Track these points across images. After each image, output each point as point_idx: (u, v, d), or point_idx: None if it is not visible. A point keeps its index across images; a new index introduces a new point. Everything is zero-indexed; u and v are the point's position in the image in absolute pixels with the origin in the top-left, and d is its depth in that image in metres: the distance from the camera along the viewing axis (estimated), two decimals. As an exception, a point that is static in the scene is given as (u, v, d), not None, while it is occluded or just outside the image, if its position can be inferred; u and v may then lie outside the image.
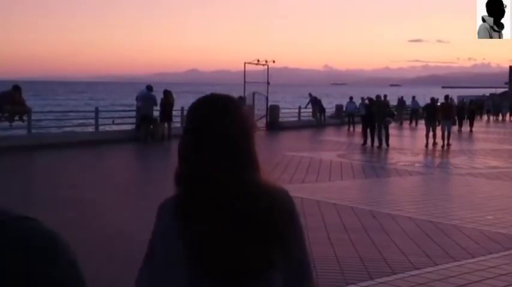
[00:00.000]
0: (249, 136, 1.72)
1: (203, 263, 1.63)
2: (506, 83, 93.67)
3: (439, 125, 20.75)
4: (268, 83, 28.12)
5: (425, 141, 20.89)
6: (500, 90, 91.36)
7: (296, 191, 10.96)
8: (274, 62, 28.15)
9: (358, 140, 22.00)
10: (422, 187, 12.19)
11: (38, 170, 14.47)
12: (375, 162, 16.60)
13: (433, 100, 22.18)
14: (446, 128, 20.74)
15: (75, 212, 9.02)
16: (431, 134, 21.00)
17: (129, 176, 13.55)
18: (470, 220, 8.88)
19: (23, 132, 18.20)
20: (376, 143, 20.08)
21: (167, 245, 1.69)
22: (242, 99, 21.09)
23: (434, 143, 21.06)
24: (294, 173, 13.42)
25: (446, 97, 22.28)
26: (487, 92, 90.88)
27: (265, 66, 28.07)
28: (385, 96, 25.49)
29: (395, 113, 28.06)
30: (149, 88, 20.86)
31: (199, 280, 1.64)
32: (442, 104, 21.93)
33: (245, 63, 27.43)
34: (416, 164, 15.96)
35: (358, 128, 27.27)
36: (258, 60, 27.73)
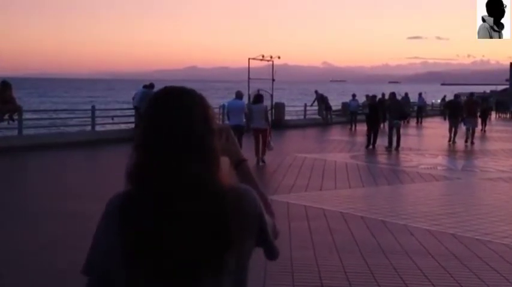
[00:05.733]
0: (213, 133, 1.63)
1: (142, 263, 1.54)
2: (506, 80, 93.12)
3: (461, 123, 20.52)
4: (273, 80, 26.87)
5: (448, 135, 21.17)
6: (500, 87, 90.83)
7: (315, 201, 9.81)
8: (279, 57, 26.96)
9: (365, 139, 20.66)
10: (454, 196, 10.95)
11: (29, 175, 13.24)
12: (394, 165, 15.35)
13: (457, 97, 21.23)
14: (470, 126, 20.40)
15: (69, 225, 7.83)
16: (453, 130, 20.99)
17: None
18: (523, 237, 7.68)
19: (14, 132, 16.97)
20: (385, 144, 18.81)
21: (107, 243, 1.61)
22: None
23: (454, 142, 20.83)
24: (310, 179, 12.21)
25: (472, 94, 21.41)
26: (488, 89, 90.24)
27: (267, 63, 26.89)
28: (394, 94, 24.14)
29: (409, 113, 26.80)
30: (149, 86, 19.77)
31: (138, 280, 1.57)
32: (466, 101, 21.03)
33: (249, 59, 26.17)
34: (439, 167, 14.75)
35: (360, 127, 26.14)
36: (263, 56, 26.51)
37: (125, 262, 1.58)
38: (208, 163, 1.60)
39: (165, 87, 1.69)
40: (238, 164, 1.86)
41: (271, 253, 1.75)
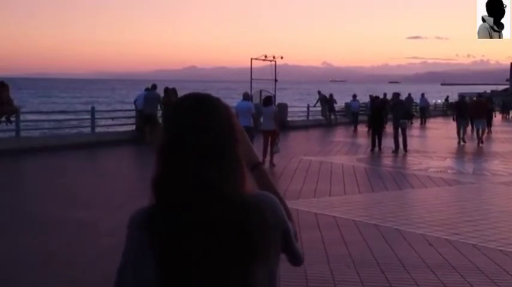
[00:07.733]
0: (236, 142, 1.57)
1: (173, 275, 1.48)
2: (507, 80, 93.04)
3: (468, 125, 20.42)
4: (276, 80, 26.47)
5: (457, 139, 21.17)
6: (501, 87, 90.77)
7: (325, 207, 9.40)
8: (282, 58, 26.58)
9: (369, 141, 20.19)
10: (470, 201, 10.49)
11: (27, 178, 12.82)
12: (403, 168, 14.91)
13: (463, 97, 20.98)
14: (480, 126, 20.45)
15: (69, 234, 7.41)
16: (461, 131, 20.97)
17: (133, 186, 11.71)
18: (549, 248, 7.25)
19: (11, 134, 16.54)
20: (392, 147, 18.33)
21: (138, 266, 1.52)
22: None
23: (464, 142, 20.78)
24: (317, 183, 11.79)
25: (480, 95, 21.09)
26: (488, 89, 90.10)
27: (267, 63, 26.53)
28: (397, 94, 23.66)
29: (414, 113, 26.40)
30: (152, 87, 19.37)
31: None
32: (474, 101, 20.76)
33: (252, 59, 25.77)
34: (449, 171, 14.31)
35: (363, 128, 25.84)
36: (266, 56, 26.13)
37: (158, 277, 1.51)
38: (228, 169, 1.53)
39: (189, 93, 1.62)
40: (254, 167, 1.79)
41: (296, 259, 1.70)
